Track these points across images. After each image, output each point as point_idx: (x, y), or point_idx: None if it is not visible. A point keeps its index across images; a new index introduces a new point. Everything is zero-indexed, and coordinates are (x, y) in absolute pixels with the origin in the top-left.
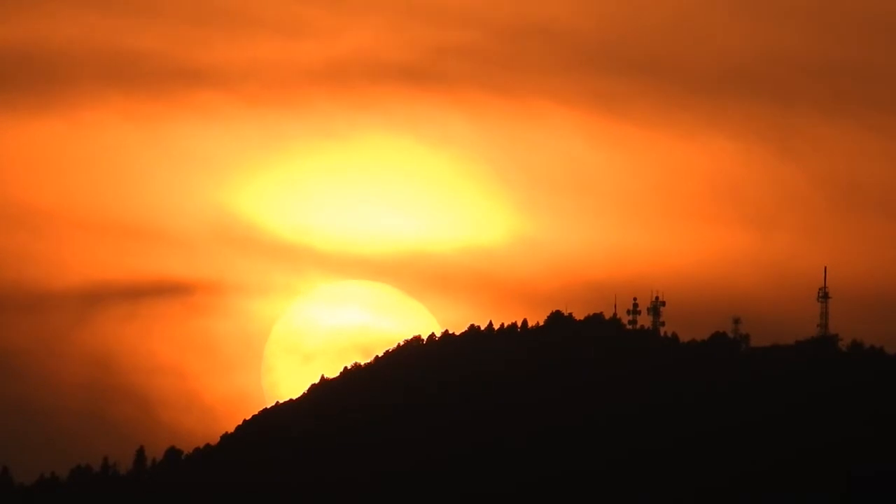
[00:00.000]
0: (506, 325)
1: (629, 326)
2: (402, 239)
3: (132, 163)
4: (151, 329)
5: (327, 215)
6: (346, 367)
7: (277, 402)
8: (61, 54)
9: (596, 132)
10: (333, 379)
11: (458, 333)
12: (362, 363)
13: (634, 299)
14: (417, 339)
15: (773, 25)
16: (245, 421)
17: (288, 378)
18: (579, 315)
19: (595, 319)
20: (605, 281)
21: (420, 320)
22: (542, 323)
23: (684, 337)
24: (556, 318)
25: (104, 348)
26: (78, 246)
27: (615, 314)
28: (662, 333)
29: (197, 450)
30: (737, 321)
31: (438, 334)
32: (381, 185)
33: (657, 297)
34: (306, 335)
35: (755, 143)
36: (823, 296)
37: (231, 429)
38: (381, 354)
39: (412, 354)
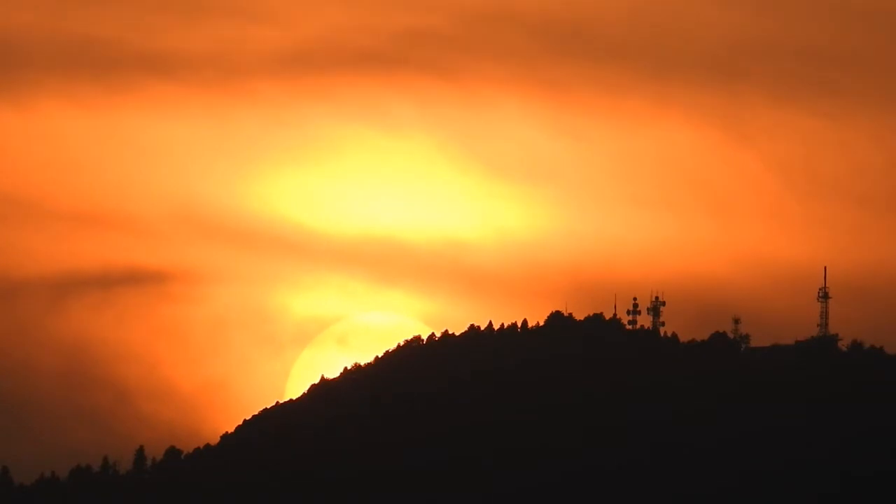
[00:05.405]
0: (506, 325)
1: (629, 326)
2: (373, 226)
3: (93, 152)
4: (124, 317)
5: (297, 203)
6: (346, 368)
7: (277, 402)
8: (15, 42)
9: (551, 119)
10: (333, 379)
11: (458, 333)
12: (362, 363)
13: (634, 299)
14: (417, 339)
15: (724, 11)
16: (245, 421)
17: (262, 368)
18: (579, 315)
19: (595, 319)
20: (585, 271)
21: (394, 309)
22: (542, 323)
23: (684, 337)
24: (556, 318)
25: (77, 337)
26: (47, 235)
27: (615, 314)
28: (662, 333)
29: (197, 450)
30: (737, 321)
31: (427, 330)
32: (348, 174)
33: (657, 297)
34: (278, 322)
35: (708, 129)
36: (823, 296)
37: (229, 428)
38: (381, 354)
39: (412, 354)
